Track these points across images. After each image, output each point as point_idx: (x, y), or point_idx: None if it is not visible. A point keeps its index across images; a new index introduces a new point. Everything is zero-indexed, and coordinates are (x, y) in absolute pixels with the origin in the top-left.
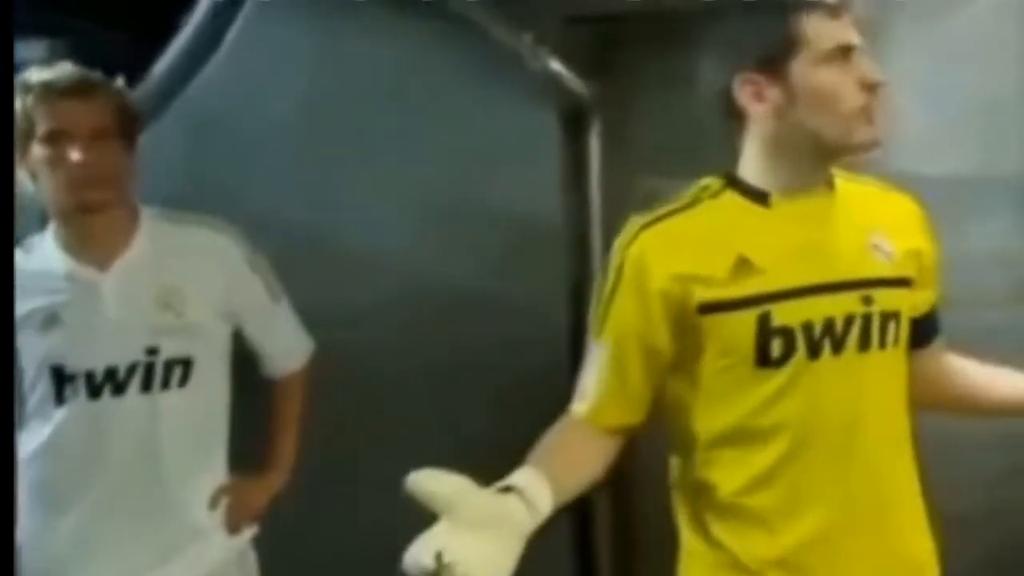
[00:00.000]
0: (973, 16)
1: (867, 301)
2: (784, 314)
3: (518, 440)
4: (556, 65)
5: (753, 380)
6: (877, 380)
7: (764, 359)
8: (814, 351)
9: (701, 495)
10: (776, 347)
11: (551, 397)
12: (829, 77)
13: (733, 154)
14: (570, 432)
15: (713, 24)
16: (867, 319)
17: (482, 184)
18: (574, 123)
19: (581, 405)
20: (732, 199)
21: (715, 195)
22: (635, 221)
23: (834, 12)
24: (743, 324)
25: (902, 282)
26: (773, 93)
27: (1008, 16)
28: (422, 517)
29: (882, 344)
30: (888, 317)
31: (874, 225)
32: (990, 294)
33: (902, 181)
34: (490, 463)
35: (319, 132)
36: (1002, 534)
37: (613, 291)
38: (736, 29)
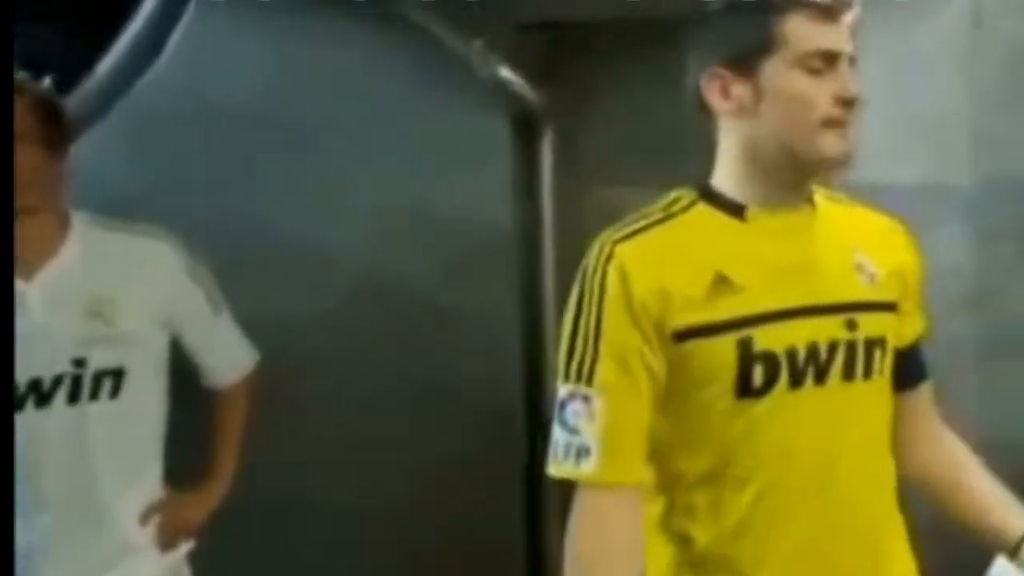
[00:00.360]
0: (926, 27)
1: (851, 326)
2: (766, 338)
3: (469, 447)
4: (507, 72)
5: (732, 412)
6: (861, 413)
7: (745, 388)
8: (796, 380)
9: (681, 546)
10: (758, 374)
11: (502, 403)
12: (801, 82)
13: (689, 162)
14: (607, 515)
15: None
16: (851, 346)
17: (432, 190)
18: (525, 130)
19: (583, 468)
20: (706, 212)
21: (687, 208)
22: (606, 237)
23: (826, 15)
24: (723, 350)
25: (887, 306)
26: (739, 90)
27: (959, 28)
28: (366, 527)
29: (867, 374)
30: (873, 344)
31: (856, 245)
32: (940, 305)
33: (853, 191)
34: (440, 472)
35: (265, 135)
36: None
37: (599, 316)
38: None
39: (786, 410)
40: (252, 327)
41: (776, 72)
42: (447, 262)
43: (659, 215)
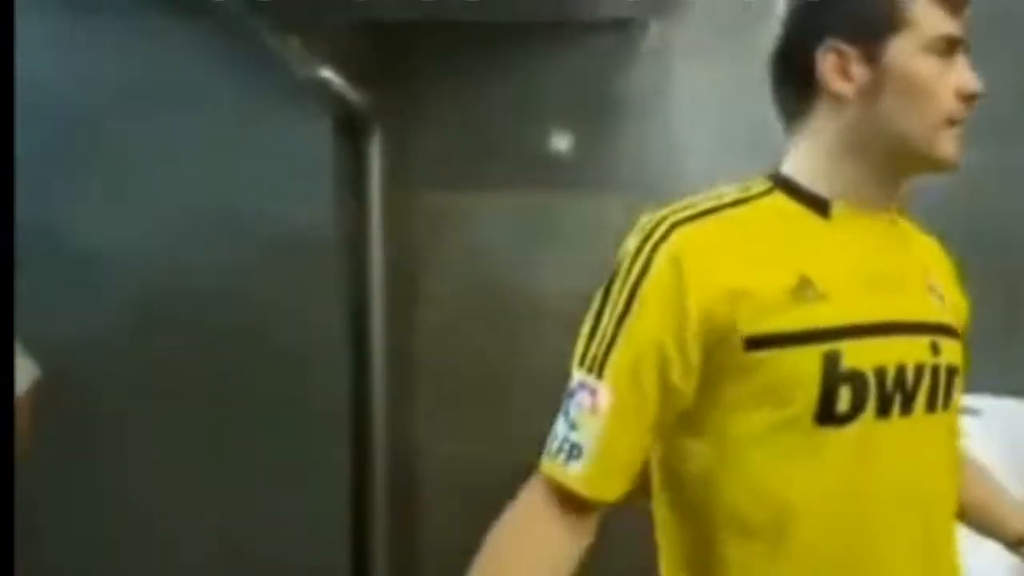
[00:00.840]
0: (755, 40)
1: (936, 350)
2: (855, 354)
3: (290, 453)
4: (328, 72)
5: (806, 443)
6: (942, 449)
7: (827, 413)
8: (884, 407)
9: None
10: (844, 397)
11: (327, 406)
12: (929, 69)
13: (524, 167)
14: (553, 531)
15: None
16: (936, 371)
17: (243, 190)
18: (350, 131)
19: (570, 470)
20: (785, 203)
21: (761, 196)
22: (660, 216)
23: (952, 1)
24: (806, 363)
25: (958, 334)
26: (861, 71)
27: None
28: (158, 542)
29: (946, 405)
30: (952, 372)
31: (927, 263)
32: None
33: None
34: (259, 480)
35: (47, 131)
36: None
37: (628, 304)
38: None
39: (871, 443)
40: (35, 340)
41: (903, 54)
42: (259, 262)
43: (730, 198)
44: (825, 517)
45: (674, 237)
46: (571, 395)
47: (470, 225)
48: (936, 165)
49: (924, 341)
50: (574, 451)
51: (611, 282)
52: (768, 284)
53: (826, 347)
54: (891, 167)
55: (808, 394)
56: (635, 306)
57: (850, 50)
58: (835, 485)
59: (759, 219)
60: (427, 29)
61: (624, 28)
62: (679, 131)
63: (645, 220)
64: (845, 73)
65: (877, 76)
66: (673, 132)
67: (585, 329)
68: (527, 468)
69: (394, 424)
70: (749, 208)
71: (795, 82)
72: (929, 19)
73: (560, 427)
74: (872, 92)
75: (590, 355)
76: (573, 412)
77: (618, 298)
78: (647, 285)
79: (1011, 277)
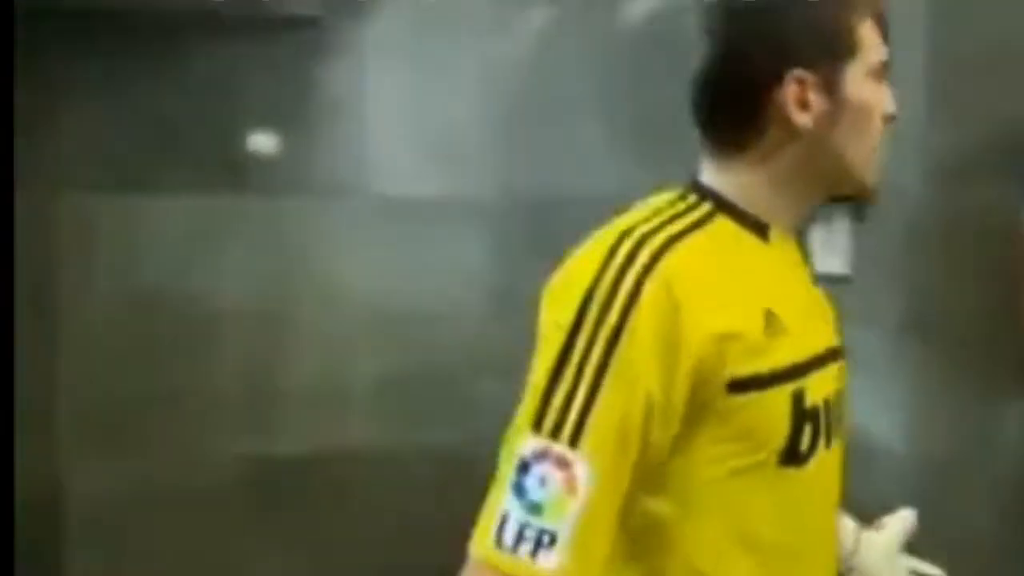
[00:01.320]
0: (447, 36)
1: (842, 375)
2: (813, 390)
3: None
4: None
5: (767, 486)
6: (839, 479)
7: (792, 453)
8: (828, 440)
9: None
10: (807, 435)
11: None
12: (872, 95)
13: (202, 168)
14: None
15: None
16: (841, 396)
17: None
18: None
19: (542, 564)
20: (731, 227)
21: (708, 218)
22: (634, 239)
23: (882, 23)
24: (779, 404)
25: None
26: (819, 100)
27: (478, 42)
28: None
29: (844, 429)
30: (845, 394)
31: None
32: (466, 310)
33: (382, 204)
34: None
35: None
36: None
37: (610, 346)
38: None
39: (818, 477)
40: None
41: (856, 81)
42: None
43: (688, 220)
44: (776, 551)
45: (662, 265)
46: (524, 467)
47: (133, 232)
48: (865, 191)
49: (836, 366)
50: (543, 538)
51: (577, 322)
52: (748, 323)
53: (793, 386)
54: (823, 193)
55: (779, 436)
56: (622, 349)
57: (810, 78)
58: (790, 522)
59: (721, 246)
60: (69, 18)
61: (315, 25)
62: (374, 132)
63: (617, 234)
64: (803, 103)
65: (834, 105)
66: (368, 133)
67: (538, 380)
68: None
69: (32, 457)
70: (707, 233)
71: (740, 109)
72: (871, 43)
73: (512, 509)
74: (828, 121)
75: (552, 416)
76: (535, 491)
77: (592, 341)
78: (638, 320)
79: None
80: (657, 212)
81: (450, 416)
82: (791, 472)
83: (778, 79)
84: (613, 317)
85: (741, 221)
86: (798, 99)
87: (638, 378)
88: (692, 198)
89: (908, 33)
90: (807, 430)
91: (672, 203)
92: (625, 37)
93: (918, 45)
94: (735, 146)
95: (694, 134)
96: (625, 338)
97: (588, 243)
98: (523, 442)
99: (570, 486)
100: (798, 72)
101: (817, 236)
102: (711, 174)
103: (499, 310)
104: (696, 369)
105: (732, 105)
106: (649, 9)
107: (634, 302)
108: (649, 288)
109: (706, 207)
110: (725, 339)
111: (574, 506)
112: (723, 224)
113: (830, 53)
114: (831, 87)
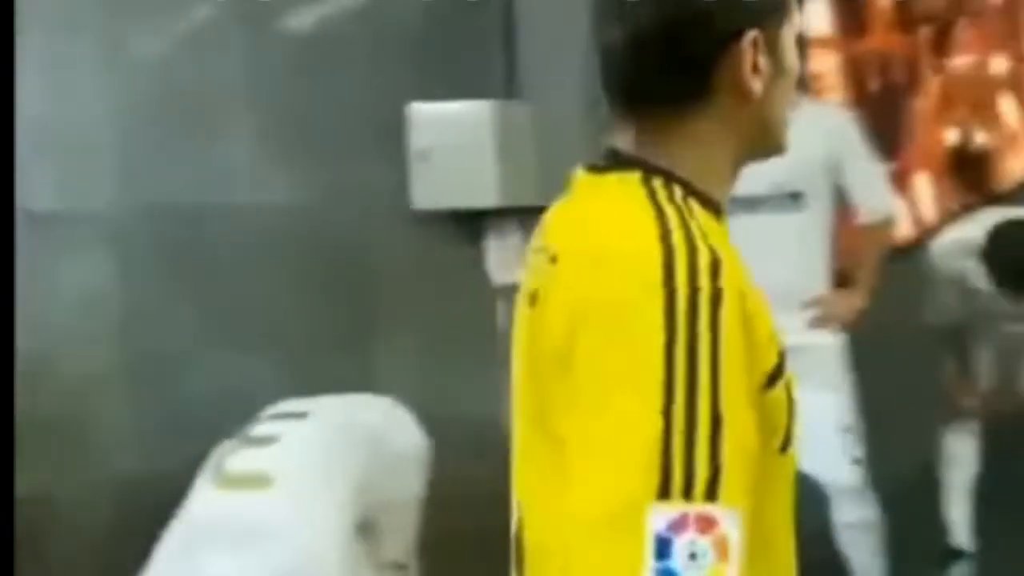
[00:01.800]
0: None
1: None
2: (791, 381)
3: None
4: None
5: (769, 473)
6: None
7: (788, 440)
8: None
9: None
10: (794, 423)
11: None
12: (795, 57)
13: None
14: None
15: None
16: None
17: None
18: None
19: None
20: (701, 211)
21: (684, 203)
22: (687, 240)
23: None
24: (784, 393)
25: None
26: (765, 63)
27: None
28: None
29: None
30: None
31: None
32: (85, 333)
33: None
34: None
35: None
36: None
37: (714, 372)
38: None
39: (791, 462)
40: None
41: (788, 42)
42: None
43: (682, 206)
44: (773, 534)
45: (721, 263)
46: (663, 547)
47: None
48: (780, 151)
49: None
50: None
51: (670, 348)
52: (766, 314)
53: (787, 376)
54: (745, 161)
55: (783, 424)
56: (727, 374)
57: (760, 40)
58: (783, 505)
59: (715, 236)
60: None
61: None
62: None
63: (652, 256)
64: (755, 67)
65: (775, 69)
66: None
67: (637, 426)
68: None
69: None
70: (696, 223)
71: (684, 75)
72: (793, 7)
73: None
74: (769, 84)
75: (678, 470)
76: (688, 572)
77: (696, 367)
78: (728, 340)
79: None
80: (643, 206)
81: None
82: (786, 458)
83: (737, 39)
84: (708, 335)
85: (701, 202)
86: (752, 62)
87: (746, 395)
88: (656, 181)
89: None
90: (794, 417)
91: (654, 190)
92: (281, 42)
93: None
94: (676, 119)
95: (351, 139)
96: (727, 361)
97: (608, 265)
98: (647, 515)
99: (721, 549)
100: (753, 33)
101: (493, 250)
102: (646, 150)
103: (122, 329)
104: (756, 365)
105: (664, 71)
106: (312, 14)
107: (719, 315)
108: (729, 295)
109: (678, 190)
110: (773, 337)
111: (731, 572)
112: (700, 210)
113: (777, 14)
114: (773, 49)
